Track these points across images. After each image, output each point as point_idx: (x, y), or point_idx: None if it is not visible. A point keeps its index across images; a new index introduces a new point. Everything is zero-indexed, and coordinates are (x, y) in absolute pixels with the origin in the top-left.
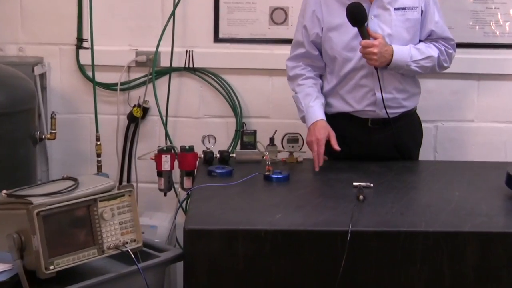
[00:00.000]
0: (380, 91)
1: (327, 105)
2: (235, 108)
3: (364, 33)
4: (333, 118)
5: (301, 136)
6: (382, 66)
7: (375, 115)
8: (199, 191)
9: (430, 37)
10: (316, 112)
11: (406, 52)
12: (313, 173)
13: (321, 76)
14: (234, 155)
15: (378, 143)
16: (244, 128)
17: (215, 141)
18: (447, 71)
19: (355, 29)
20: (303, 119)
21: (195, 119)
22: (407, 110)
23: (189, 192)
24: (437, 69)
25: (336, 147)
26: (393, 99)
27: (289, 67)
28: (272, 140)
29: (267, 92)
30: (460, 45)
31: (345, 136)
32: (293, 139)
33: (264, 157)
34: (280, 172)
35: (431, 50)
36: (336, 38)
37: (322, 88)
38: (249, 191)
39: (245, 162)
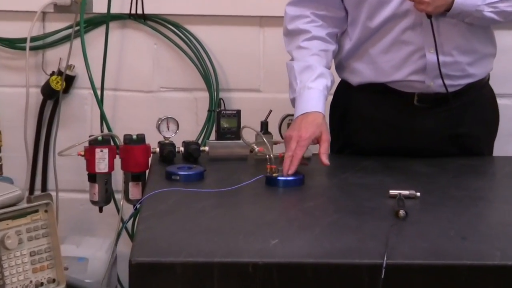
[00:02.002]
0: (433, 51)
1: (349, 71)
2: (208, 77)
3: None
4: (358, 92)
5: None
6: (437, 12)
7: (424, 88)
8: (153, 204)
9: None
10: (314, 99)
11: None
12: (328, 176)
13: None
14: (206, 148)
15: (428, 130)
16: (222, 108)
17: (178, 128)
18: None
19: None
20: (293, 103)
21: (146, 94)
22: (475, 80)
23: (138, 206)
24: None
25: (325, 159)
26: (453, 64)
27: (289, 16)
28: (264, 125)
29: (256, 52)
30: None
31: (376, 119)
32: None
33: (258, 150)
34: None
35: None
36: None
37: (339, 51)
38: (229, 203)
39: (224, 159)
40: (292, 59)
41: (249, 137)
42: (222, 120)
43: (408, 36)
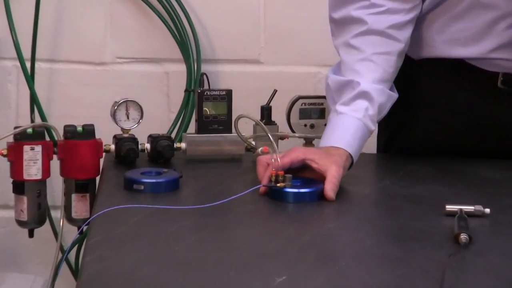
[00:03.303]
0: None
1: (411, 43)
2: (185, 42)
3: None
4: (420, 68)
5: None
6: None
7: (511, 68)
8: (107, 225)
9: None
10: (341, 128)
11: None
12: (359, 185)
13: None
14: (183, 145)
15: None
16: (206, 87)
17: (141, 116)
18: None
19: None
20: None
21: (96, 67)
22: None
23: (84, 228)
24: None
25: (330, 194)
26: None
27: None
28: (266, 111)
29: (254, 8)
30: None
31: (442, 104)
32: (312, 110)
33: (262, 150)
34: (302, 181)
35: None
36: None
37: None
38: (216, 225)
39: (208, 160)
40: (340, 61)
41: (245, 128)
42: (206, 105)
43: None
